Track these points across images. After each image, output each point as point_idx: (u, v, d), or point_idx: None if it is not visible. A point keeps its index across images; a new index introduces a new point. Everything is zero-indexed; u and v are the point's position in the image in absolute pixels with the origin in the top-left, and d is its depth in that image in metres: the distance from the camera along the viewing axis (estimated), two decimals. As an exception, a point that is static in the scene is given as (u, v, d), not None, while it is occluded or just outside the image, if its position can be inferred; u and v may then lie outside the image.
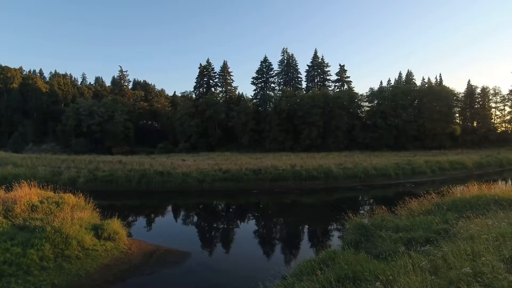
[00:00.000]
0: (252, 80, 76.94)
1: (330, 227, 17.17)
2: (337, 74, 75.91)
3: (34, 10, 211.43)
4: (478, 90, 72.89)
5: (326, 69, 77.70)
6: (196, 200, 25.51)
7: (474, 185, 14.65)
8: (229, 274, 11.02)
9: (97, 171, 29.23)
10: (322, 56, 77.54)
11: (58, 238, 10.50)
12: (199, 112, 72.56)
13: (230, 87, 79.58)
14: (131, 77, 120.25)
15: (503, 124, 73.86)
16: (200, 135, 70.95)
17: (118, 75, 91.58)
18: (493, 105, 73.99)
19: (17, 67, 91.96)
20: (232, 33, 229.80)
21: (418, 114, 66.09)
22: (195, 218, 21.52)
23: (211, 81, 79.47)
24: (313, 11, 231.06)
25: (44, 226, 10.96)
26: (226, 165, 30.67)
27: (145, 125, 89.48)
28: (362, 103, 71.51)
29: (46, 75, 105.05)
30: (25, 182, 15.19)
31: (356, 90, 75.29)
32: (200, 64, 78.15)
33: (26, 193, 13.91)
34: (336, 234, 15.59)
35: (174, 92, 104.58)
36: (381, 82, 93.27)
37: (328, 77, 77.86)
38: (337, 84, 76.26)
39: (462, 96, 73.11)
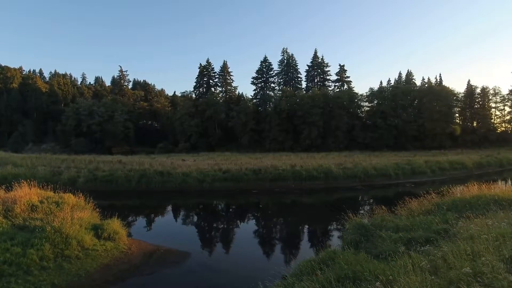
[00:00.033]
0: (252, 80, 77.07)
1: (330, 227, 17.18)
2: (337, 74, 75.97)
3: (34, 10, 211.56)
4: (478, 90, 73.01)
5: (326, 69, 77.78)
6: (196, 200, 25.50)
7: (474, 185, 14.65)
8: (229, 274, 11.02)
9: (97, 171, 29.23)
10: (322, 56, 77.73)
11: (58, 238, 10.50)
12: (199, 112, 72.56)
13: (230, 87, 79.58)
14: (131, 77, 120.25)
15: (503, 124, 73.92)
16: (200, 135, 70.95)
17: (118, 75, 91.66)
18: (493, 105, 74.09)
19: (17, 67, 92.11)
20: (232, 33, 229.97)
21: (418, 114, 66.11)
22: (195, 218, 21.52)
23: (211, 81, 79.47)
24: (313, 11, 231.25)
25: (44, 226, 10.96)
26: (226, 165, 30.67)
27: (145, 125, 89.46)
28: (362, 103, 71.55)
29: (46, 75, 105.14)
30: (25, 182, 15.19)
31: (356, 90, 75.48)
32: (200, 64, 78.28)
33: (26, 193, 13.91)
34: (336, 234, 15.59)
35: (174, 92, 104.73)
36: (381, 82, 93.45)
37: (328, 77, 77.93)
38: (337, 84, 76.29)
39: (462, 96, 73.17)
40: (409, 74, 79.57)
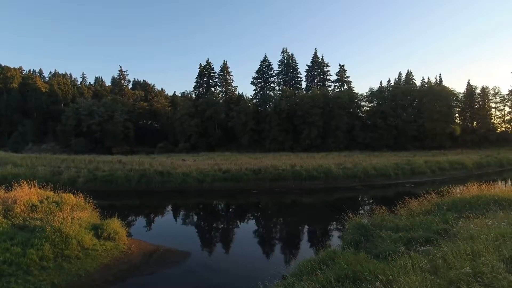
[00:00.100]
0: (252, 80, 77.05)
1: (330, 227, 17.18)
2: (337, 74, 75.97)
3: (34, 10, 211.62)
4: (478, 90, 73.03)
5: (326, 69, 77.78)
6: (196, 200, 25.50)
7: (474, 185, 14.66)
8: (229, 274, 11.01)
9: (97, 171, 29.23)
10: (322, 56, 77.74)
11: (58, 238, 10.49)
12: (199, 112, 72.55)
13: (230, 87, 79.58)
14: (131, 77, 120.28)
15: (503, 124, 73.91)
16: (200, 135, 70.94)
17: (118, 75, 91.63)
18: (493, 105, 74.10)
19: (17, 66, 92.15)
20: (232, 33, 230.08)
21: (418, 114, 66.10)
22: (195, 218, 21.52)
23: (211, 81, 79.46)
24: (313, 11, 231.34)
25: (44, 226, 10.95)
26: (226, 165, 30.67)
27: (145, 125, 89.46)
28: (362, 103, 71.56)
29: (46, 75, 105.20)
30: (24, 182, 15.19)
31: (356, 90, 75.51)
32: (200, 64, 78.28)
33: (26, 193, 13.91)
34: (336, 234, 15.59)
35: (174, 92, 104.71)
36: (381, 82, 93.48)
37: (328, 77, 77.94)
38: (337, 84, 76.30)
39: (462, 96, 73.18)
40: (409, 74, 79.62)
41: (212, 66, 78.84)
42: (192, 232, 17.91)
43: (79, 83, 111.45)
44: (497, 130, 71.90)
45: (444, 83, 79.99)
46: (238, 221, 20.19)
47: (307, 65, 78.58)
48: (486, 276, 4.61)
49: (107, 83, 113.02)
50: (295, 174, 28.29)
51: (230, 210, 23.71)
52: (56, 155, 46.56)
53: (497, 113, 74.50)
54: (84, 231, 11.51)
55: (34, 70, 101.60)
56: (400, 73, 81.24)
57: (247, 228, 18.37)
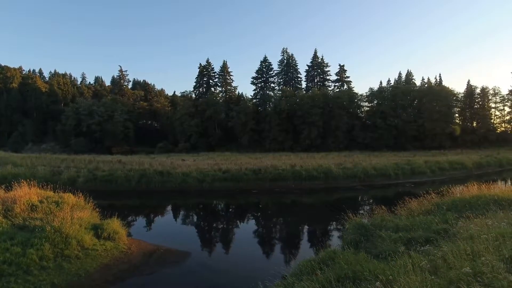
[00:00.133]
0: (252, 80, 77.03)
1: (330, 227, 17.18)
2: (337, 74, 75.99)
3: (34, 10, 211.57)
4: (478, 90, 73.07)
5: (326, 69, 77.79)
6: (196, 200, 25.50)
7: (474, 185, 14.65)
8: (229, 274, 11.01)
9: (97, 171, 29.22)
10: (322, 56, 77.76)
11: (57, 238, 10.49)
12: (199, 112, 72.55)
13: (230, 87, 79.56)
14: (131, 77, 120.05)
15: (503, 124, 73.95)
16: (200, 135, 70.93)
17: (117, 75, 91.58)
18: (493, 105, 74.13)
19: (16, 66, 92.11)
20: (232, 33, 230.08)
21: (417, 114, 66.10)
22: (195, 218, 21.51)
23: (211, 81, 79.46)
24: (313, 11, 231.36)
25: (44, 225, 10.95)
26: (226, 165, 30.67)
27: (144, 125, 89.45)
28: (362, 103, 71.57)
29: (46, 74, 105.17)
30: (24, 182, 15.19)
31: (356, 90, 75.47)
32: (200, 64, 78.27)
33: (26, 193, 13.90)
34: (336, 234, 15.59)
35: (174, 92, 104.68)
36: (381, 82, 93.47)
37: (328, 77, 77.95)
38: (337, 84, 76.31)
39: (461, 96, 73.21)
40: (409, 74, 79.66)
41: (212, 66, 78.95)
42: (192, 232, 17.90)
43: (79, 83, 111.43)
44: (497, 130, 71.93)
45: (444, 83, 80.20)
46: (238, 221, 20.19)
47: (307, 65, 78.69)
48: (486, 276, 4.61)
49: (107, 83, 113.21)
50: (295, 174, 28.29)
51: (230, 210, 23.71)
52: (56, 155, 46.55)
53: (497, 113, 74.62)
54: (84, 231, 11.50)
55: (34, 70, 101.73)
56: (400, 73, 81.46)
57: (247, 228, 18.36)
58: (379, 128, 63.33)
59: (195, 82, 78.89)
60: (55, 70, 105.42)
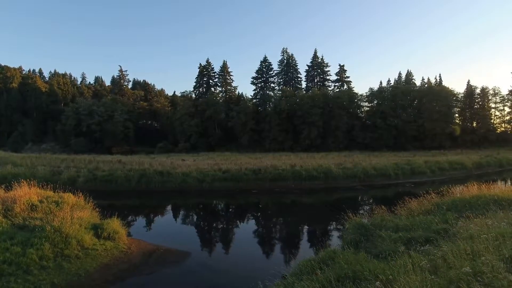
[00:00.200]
0: (252, 80, 77.02)
1: (330, 227, 17.18)
2: (337, 74, 76.00)
3: (34, 10, 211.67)
4: (478, 91, 73.07)
5: (326, 69, 77.79)
6: (196, 200, 25.49)
7: (474, 185, 14.65)
8: (229, 274, 11.01)
9: (97, 171, 29.22)
10: (322, 56, 77.76)
11: (57, 238, 10.49)
12: (199, 112, 72.55)
13: (230, 87, 79.55)
14: (131, 77, 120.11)
15: (503, 125, 73.95)
16: (200, 135, 70.93)
17: (117, 74, 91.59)
18: (493, 105, 74.13)
19: (16, 66, 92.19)
20: (232, 33, 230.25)
21: (417, 114, 66.11)
22: (195, 218, 21.51)
23: (211, 81, 79.45)
24: (313, 11, 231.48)
25: (44, 225, 10.95)
26: (226, 165, 30.66)
27: (144, 125, 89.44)
28: (361, 103, 71.57)
29: (46, 74, 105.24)
30: (24, 182, 15.18)
31: (356, 90, 75.48)
32: (200, 64, 78.27)
33: (26, 193, 13.90)
34: (336, 234, 15.59)
35: (174, 92, 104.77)
36: (381, 82, 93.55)
37: (328, 77, 77.95)
38: (337, 84, 76.31)
39: (461, 96, 73.21)
40: (409, 74, 79.66)
41: (212, 66, 78.94)
42: (192, 232, 17.90)
43: (79, 83, 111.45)
44: (496, 130, 71.95)
45: (444, 83, 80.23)
46: (238, 221, 20.18)
47: (307, 65, 78.69)
48: (486, 275, 4.61)
49: (107, 83, 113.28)
50: (295, 174, 28.28)
51: (230, 210, 23.70)
52: (55, 155, 46.56)
53: (497, 113, 74.61)
54: (84, 231, 11.50)
55: (34, 70, 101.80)
56: (400, 73, 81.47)
57: (247, 228, 18.36)
58: (379, 128, 63.33)
59: (195, 82, 78.99)
60: (55, 70, 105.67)
